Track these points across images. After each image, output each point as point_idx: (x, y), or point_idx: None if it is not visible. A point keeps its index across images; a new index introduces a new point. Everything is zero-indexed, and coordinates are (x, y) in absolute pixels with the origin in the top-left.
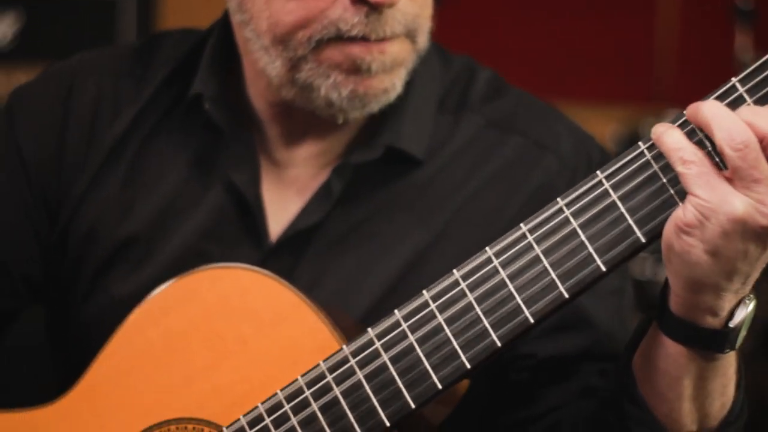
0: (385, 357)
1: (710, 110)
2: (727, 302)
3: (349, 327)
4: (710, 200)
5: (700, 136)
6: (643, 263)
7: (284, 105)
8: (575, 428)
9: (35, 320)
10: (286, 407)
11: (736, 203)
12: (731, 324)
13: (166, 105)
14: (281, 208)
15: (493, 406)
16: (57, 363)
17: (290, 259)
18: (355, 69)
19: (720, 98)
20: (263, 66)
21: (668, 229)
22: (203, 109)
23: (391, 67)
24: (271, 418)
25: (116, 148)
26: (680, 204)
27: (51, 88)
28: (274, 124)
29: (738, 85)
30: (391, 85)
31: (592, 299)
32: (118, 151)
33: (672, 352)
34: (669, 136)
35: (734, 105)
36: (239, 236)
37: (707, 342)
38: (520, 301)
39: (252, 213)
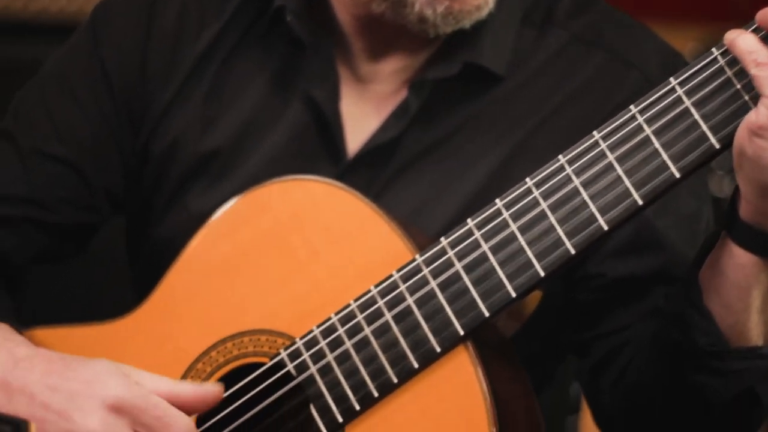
0: (458, 266)
1: None
2: None
3: (423, 243)
4: None
5: None
6: (721, 181)
7: (371, 19)
8: (640, 347)
9: (116, 234)
10: (360, 317)
11: None
12: None
13: (250, 19)
14: (360, 124)
15: (559, 325)
16: (136, 277)
17: (367, 175)
18: None
19: None
20: None
21: (740, 133)
22: (285, 22)
23: None
24: (345, 328)
25: (200, 62)
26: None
27: (135, 1)
28: (358, 37)
29: None
30: (485, 1)
31: (667, 221)
32: (202, 66)
33: (742, 261)
34: (742, 40)
35: None
36: (317, 152)
37: None
38: (594, 209)
39: (330, 129)
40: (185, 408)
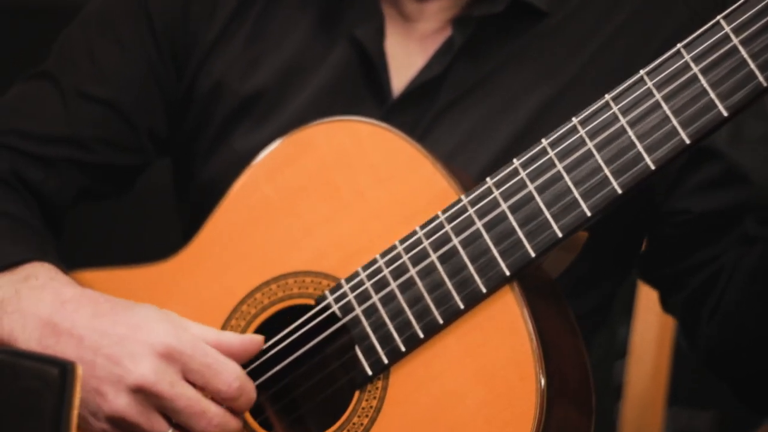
0: (503, 206)
1: None
2: None
3: (468, 183)
4: None
5: None
6: None
7: None
8: (735, 274)
9: (163, 176)
10: (405, 258)
11: None
12: None
13: None
14: (404, 63)
15: (650, 260)
16: (183, 218)
17: (412, 115)
18: None
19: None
20: None
21: None
22: None
23: None
24: (390, 269)
25: (243, 3)
26: None
27: None
28: None
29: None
30: None
31: (742, 150)
32: (245, 7)
33: None
34: None
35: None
36: (362, 92)
37: None
38: (641, 149)
39: (375, 69)
40: (230, 357)
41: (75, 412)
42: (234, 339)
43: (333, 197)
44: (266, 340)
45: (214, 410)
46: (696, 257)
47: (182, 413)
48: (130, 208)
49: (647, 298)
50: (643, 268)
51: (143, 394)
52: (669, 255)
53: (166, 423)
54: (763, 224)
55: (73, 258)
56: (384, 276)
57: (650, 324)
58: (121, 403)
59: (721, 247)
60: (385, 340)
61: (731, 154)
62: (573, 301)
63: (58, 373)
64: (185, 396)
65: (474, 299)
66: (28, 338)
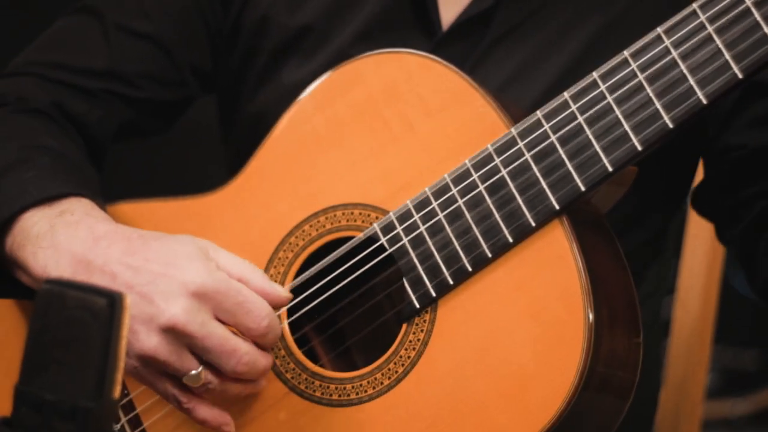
0: (553, 138)
1: None
2: None
3: (518, 116)
4: None
5: None
6: None
7: None
8: None
9: (208, 111)
10: (453, 190)
11: None
12: None
13: None
14: None
15: (705, 194)
16: (228, 153)
17: (461, 48)
18: None
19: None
20: None
21: None
22: None
23: None
24: (438, 201)
25: None
26: None
27: None
28: None
29: None
30: None
31: None
32: None
33: None
34: None
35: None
36: (411, 25)
37: None
38: (692, 82)
39: (424, 1)
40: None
41: (123, 343)
42: (261, 282)
43: (382, 130)
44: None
45: (245, 349)
46: (752, 190)
47: (212, 352)
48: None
49: (696, 236)
50: (697, 202)
51: (174, 333)
52: (725, 188)
53: (196, 362)
54: None
55: (114, 194)
56: (432, 208)
57: (698, 262)
58: (152, 342)
59: None
60: (433, 272)
61: None
62: (622, 237)
63: (106, 304)
64: (216, 335)
65: (523, 233)
66: (61, 274)
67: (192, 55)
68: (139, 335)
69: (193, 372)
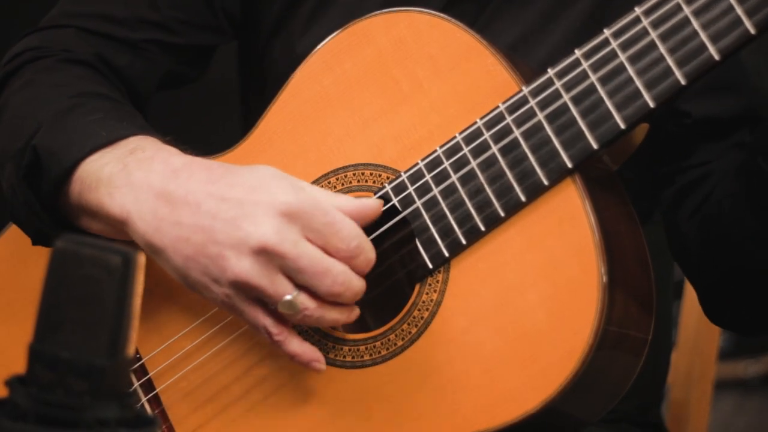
0: (565, 97)
1: None
2: None
3: (529, 75)
4: None
5: None
6: None
7: None
8: (724, 177)
9: (225, 68)
10: (465, 150)
11: None
12: None
13: None
14: None
15: (652, 155)
16: (244, 110)
17: (471, 6)
18: None
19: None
20: None
21: None
22: None
23: None
24: (450, 161)
25: None
26: None
27: None
28: None
29: None
30: None
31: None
32: None
33: None
34: None
35: None
36: None
37: None
38: (705, 38)
39: None
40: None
41: (138, 301)
42: (349, 203)
43: (392, 89)
44: None
45: (339, 268)
46: (689, 159)
47: (306, 272)
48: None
49: None
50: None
51: (266, 255)
52: (665, 153)
53: (291, 286)
54: (758, 132)
55: None
56: (444, 168)
57: None
58: (244, 266)
59: (714, 153)
60: (446, 232)
61: (747, 59)
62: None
63: (120, 262)
64: (308, 254)
65: (535, 191)
66: (141, 210)
67: (226, 1)
68: (230, 261)
69: (288, 296)
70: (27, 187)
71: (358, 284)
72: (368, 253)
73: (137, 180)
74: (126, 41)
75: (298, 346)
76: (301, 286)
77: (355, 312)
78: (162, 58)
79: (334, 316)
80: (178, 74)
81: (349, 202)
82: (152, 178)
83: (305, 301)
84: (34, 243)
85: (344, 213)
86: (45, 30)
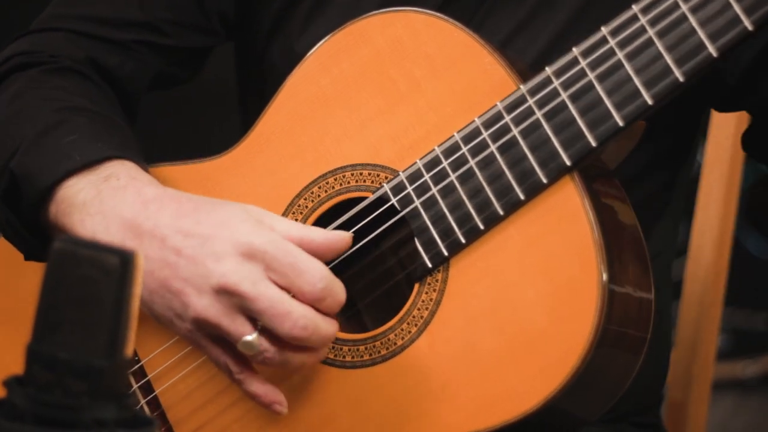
0: (563, 95)
1: None
2: None
3: (523, 71)
4: None
5: None
6: None
7: None
8: None
9: (223, 70)
10: (464, 149)
11: None
12: None
13: None
14: None
15: (753, 138)
16: (242, 112)
17: (468, 4)
18: None
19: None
20: None
21: None
22: None
23: None
24: (449, 160)
25: None
26: None
27: None
28: None
29: None
30: None
31: None
32: None
33: None
34: None
35: None
36: None
37: None
38: (703, 36)
39: None
40: (315, 254)
41: (136, 301)
42: (319, 236)
43: (389, 89)
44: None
45: (300, 311)
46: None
47: (265, 314)
48: (184, 106)
49: (708, 197)
50: (748, 147)
51: (226, 294)
52: None
53: (250, 326)
54: None
55: None
56: (443, 167)
57: (710, 223)
58: (204, 303)
59: None
60: (445, 232)
61: None
62: (631, 188)
63: (118, 262)
64: (268, 295)
65: (534, 190)
66: (111, 240)
67: (219, 3)
68: (192, 298)
69: (248, 338)
70: (7, 208)
71: (325, 327)
72: (337, 295)
73: (109, 209)
74: (116, 42)
75: (258, 386)
76: (264, 328)
77: (324, 352)
78: (152, 59)
79: (300, 359)
80: (169, 75)
81: (318, 235)
82: (123, 208)
83: (265, 344)
84: (26, 258)
85: (313, 247)
86: (35, 33)
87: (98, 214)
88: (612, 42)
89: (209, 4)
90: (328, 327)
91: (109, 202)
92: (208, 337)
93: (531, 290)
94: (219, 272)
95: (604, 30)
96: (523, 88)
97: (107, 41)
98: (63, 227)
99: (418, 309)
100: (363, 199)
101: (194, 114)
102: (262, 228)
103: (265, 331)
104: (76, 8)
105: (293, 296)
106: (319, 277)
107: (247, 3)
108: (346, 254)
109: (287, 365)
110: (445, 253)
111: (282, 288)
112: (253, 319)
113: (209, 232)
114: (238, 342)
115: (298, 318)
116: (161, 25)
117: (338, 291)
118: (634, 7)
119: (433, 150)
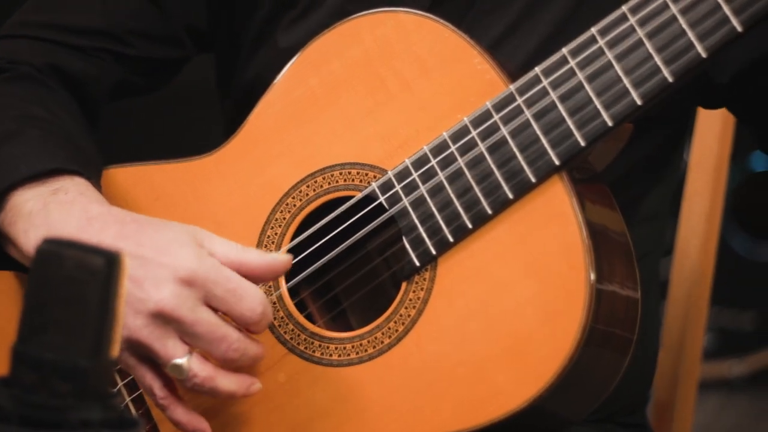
0: (552, 95)
1: None
2: None
3: (511, 73)
4: None
5: None
6: None
7: None
8: None
9: (204, 72)
10: (452, 148)
11: None
12: None
13: None
14: None
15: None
16: (225, 114)
17: (457, 5)
18: None
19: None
20: None
21: None
22: None
23: None
24: (437, 159)
25: None
26: None
27: None
28: None
29: None
30: None
31: None
32: None
33: None
34: None
35: None
36: None
37: None
38: (692, 36)
39: None
40: (254, 277)
41: (121, 302)
42: (257, 260)
43: (378, 89)
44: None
45: (235, 335)
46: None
47: (202, 338)
48: (170, 106)
49: (693, 198)
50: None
51: (162, 318)
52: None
53: (183, 349)
54: None
55: (112, 156)
56: (431, 166)
57: (696, 222)
58: (138, 324)
59: None
60: (433, 231)
61: None
62: (617, 192)
63: (104, 263)
64: (205, 321)
65: (523, 189)
66: None
67: (187, 14)
68: (126, 318)
69: (177, 361)
70: None
71: (254, 351)
72: (269, 317)
73: (54, 222)
74: (79, 48)
75: (182, 414)
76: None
77: (256, 386)
78: (115, 67)
79: (229, 386)
80: (132, 84)
81: (257, 259)
82: (69, 222)
83: (195, 366)
84: None
85: (250, 270)
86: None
87: (43, 225)
88: (601, 42)
89: (177, 16)
90: (257, 350)
91: (55, 214)
92: (137, 356)
93: (519, 289)
94: (157, 297)
95: (593, 30)
96: (512, 87)
97: (70, 47)
98: (8, 236)
99: (406, 307)
100: (351, 198)
101: (183, 113)
102: (202, 254)
103: (193, 359)
104: (41, 16)
105: (233, 320)
106: (258, 302)
107: (225, 14)
108: (334, 253)
109: (216, 392)
110: (433, 252)
111: (222, 313)
112: (185, 343)
113: (150, 255)
114: (167, 365)
115: (233, 341)
116: (125, 36)
117: (270, 314)
118: (623, 7)
119: (422, 149)
